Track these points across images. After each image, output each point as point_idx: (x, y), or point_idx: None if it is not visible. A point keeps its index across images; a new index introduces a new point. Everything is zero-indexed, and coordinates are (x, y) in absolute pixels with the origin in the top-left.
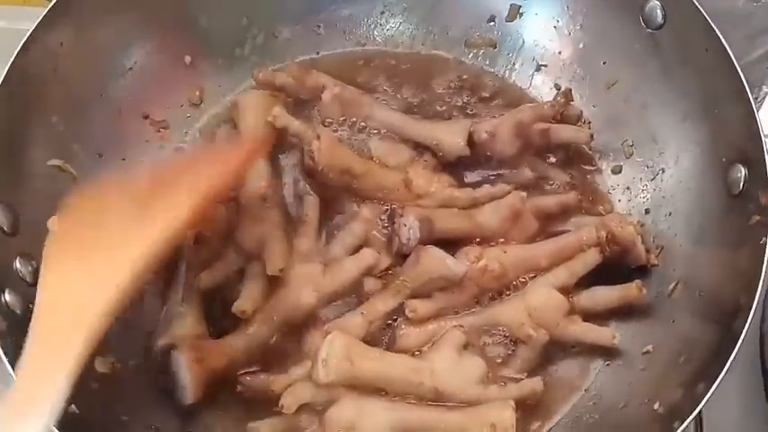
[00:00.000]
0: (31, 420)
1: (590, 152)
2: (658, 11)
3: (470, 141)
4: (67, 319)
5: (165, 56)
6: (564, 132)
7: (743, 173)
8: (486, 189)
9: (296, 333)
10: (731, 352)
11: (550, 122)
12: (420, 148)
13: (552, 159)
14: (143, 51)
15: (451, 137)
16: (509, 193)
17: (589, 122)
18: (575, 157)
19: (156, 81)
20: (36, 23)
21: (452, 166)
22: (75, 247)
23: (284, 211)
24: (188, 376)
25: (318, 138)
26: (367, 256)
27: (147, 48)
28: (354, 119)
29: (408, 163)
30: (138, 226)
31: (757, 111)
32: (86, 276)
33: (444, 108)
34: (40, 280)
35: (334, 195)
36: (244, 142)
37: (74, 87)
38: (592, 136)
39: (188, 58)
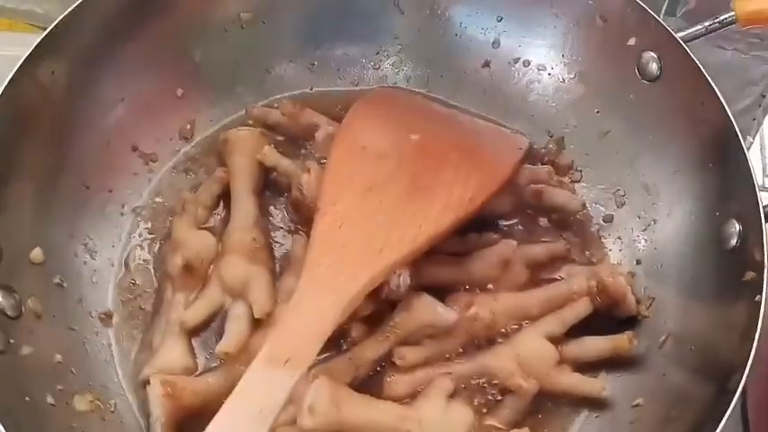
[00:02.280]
0: (301, 362)
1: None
2: (654, 63)
3: None
4: (336, 275)
5: (157, 88)
6: (557, 197)
7: (737, 228)
8: (472, 237)
9: None
10: (725, 410)
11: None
12: None
13: (545, 221)
14: (135, 83)
15: None
16: (497, 240)
17: (581, 170)
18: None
19: (146, 113)
20: (29, 52)
21: None
22: (357, 210)
23: (271, 250)
24: (159, 411)
25: (308, 171)
26: None
27: (139, 80)
28: None
29: None
30: (410, 210)
31: None
32: (363, 240)
33: None
34: (315, 219)
35: None
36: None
37: (63, 117)
38: (584, 205)
39: (180, 91)
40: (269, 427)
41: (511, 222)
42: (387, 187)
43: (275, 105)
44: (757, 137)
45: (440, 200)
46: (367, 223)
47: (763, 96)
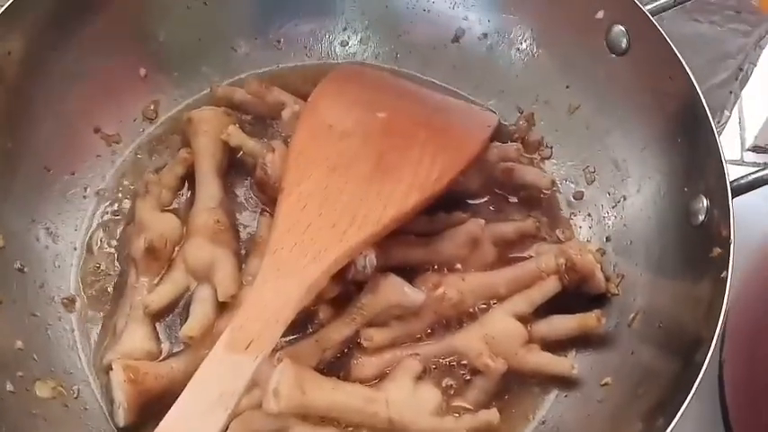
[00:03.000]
0: (263, 344)
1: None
2: (622, 37)
3: None
4: (297, 259)
5: (119, 68)
6: (527, 175)
7: (704, 204)
8: (441, 216)
9: None
10: (692, 385)
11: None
12: None
13: (514, 199)
14: (96, 63)
15: None
16: (465, 219)
17: (551, 147)
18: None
19: (109, 94)
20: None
21: None
22: (326, 156)
23: (236, 232)
24: (122, 397)
25: (273, 151)
26: None
27: (100, 60)
28: None
29: None
30: (375, 190)
31: (719, 135)
32: (326, 223)
33: None
34: (279, 200)
35: None
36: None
37: (21, 99)
38: (553, 182)
39: (143, 71)
40: (230, 412)
41: (480, 201)
42: (352, 167)
43: (241, 84)
44: (735, 110)
45: (405, 180)
46: (331, 204)
47: (741, 70)
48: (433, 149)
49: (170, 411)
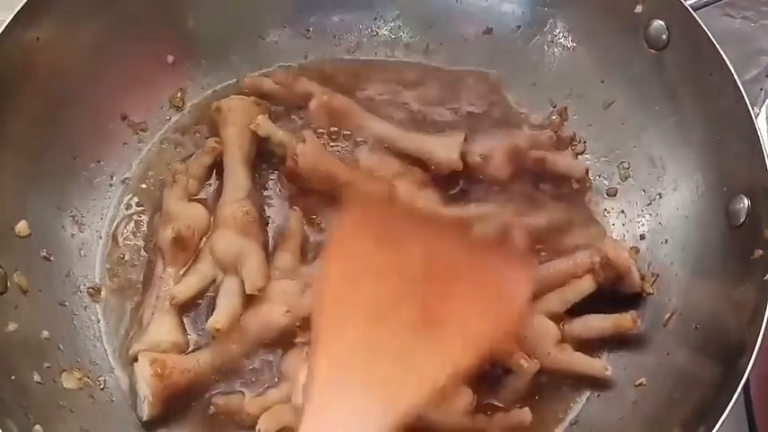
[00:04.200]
0: None
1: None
2: (662, 32)
3: (463, 158)
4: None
5: (146, 55)
6: (560, 163)
7: (745, 204)
8: (472, 208)
9: (273, 353)
10: (735, 391)
11: (547, 150)
12: (409, 162)
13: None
14: (124, 49)
15: (444, 150)
16: (495, 212)
17: (584, 141)
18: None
19: (136, 81)
20: (12, 16)
21: (440, 184)
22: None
23: (264, 224)
24: (147, 390)
25: (303, 141)
26: None
27: (128, 46)
28: (343, 128)
29: (396, 176)
30: (427, 340)
31: None
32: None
33: (439, 120)
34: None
35: (317, 210)
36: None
37: (49, 85)
38: (587, 171)
39: (171, 58)
40: None
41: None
42: (395, 314)
43: (269, 74)
44: (764, 107)
45: (456, 333)
46: (376, 361)
47: None
48: (482, 299)
49: None
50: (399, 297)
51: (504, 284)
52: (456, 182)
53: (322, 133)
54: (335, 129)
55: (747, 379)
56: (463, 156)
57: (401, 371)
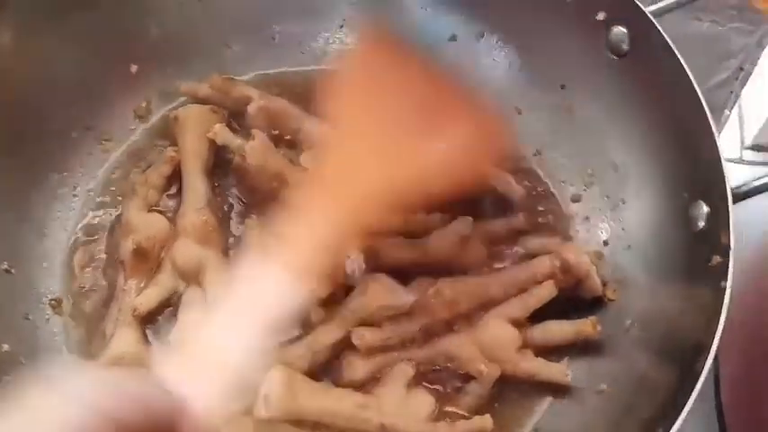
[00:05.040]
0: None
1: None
2: (623, 38)
3: None
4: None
5: (110, 65)
6: (500, 184)
7: (704, 210)
8: (423, 216)
9: None
10: (690, 393)
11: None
12: None
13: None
14: (87, 59)
15: None
16: (448, 222)
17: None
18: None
19: (100, 91)
20: None
21: None
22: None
23: (224, 231)
24: None
25: (254, 138)
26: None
27: (91, 55)
28: (283, 131)
29: None
30: (423, 139)
31: (719, 134)
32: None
33: None
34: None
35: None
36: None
37: (9, 95)
38: (524, 196)
39: (134, 68)
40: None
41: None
42: (394, 120)
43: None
44: (734, 110)
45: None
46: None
47: (741, 69)
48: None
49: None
50: (401, 108)
51: (483, 125)
52: None
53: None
54: (276, 132)
55: (717, 383)
56: None
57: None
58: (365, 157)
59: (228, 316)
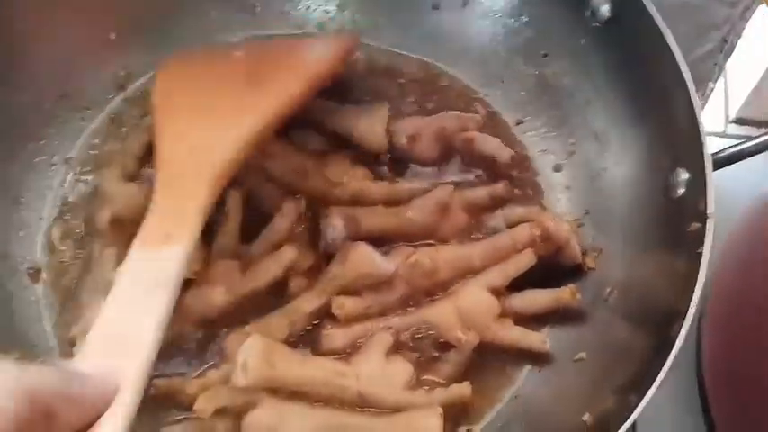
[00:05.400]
0: (166, 251)
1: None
2: (606, 4)
3: (389, 139)
4: (190, 165)
5: (87, 31)
6: (487, 145)
7: (684, 177)
8: (401, 184)
9: (215, 334)
10: (666, 360)
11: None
12: (340, 143)
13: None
14: (63, 25)
15: (369, 129)
16: (430, 188)
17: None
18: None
19: (77, 58)
20: None
21: (373, 162)
22: (186, 99)
23: None
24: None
25: None
26: (287, 253)
27: (67, 21)
28: None
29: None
30: (251, 93)
31: (703, 107)
32: (204, 129)
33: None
34: (156, 132)
35: (256, 188)
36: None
37: None
38: (513, 156)
39: (113, 35)
40: (166, 302)
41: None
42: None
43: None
44: (719, 82)
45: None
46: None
47: (725, 41)
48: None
49: (98, 322)
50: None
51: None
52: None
53: None
54: None
55: (699, 358)
56: (390, 136)
57: (236, 105)
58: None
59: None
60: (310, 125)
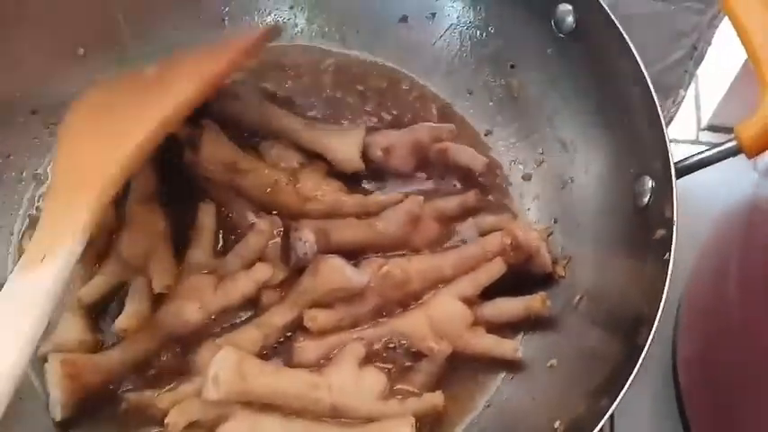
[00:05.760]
0: (57, 253)
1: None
2: (569, 15)
3: (364, 152)
4: (80, 176)
5: (55, 46)
6: (462, 155)
7: (650, 185)
8: (376, 196)
9: (186, 347)
10: (634, 365)
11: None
12: (314, 156)
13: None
14: (31, 40)
15: (344, 150)
16: (402, 199)
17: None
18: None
19: (46, 74)
20: None
21: (345, 175)
22: (88, 124)
23: (172, 222)
24: (58, 392)
25: (202, 129)
26: (261, 270)
27: (34, 36)
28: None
29: (299, 167)
30: (145, 106)
31: (674, 115)
32: (97, 144)
33: (348, 112)
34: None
35: (227, 203)
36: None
37: None
38: (488, 165)
39: (81, 50)
40: (37, 320)
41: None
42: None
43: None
44: (690, 89)
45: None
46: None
47: (695, 48)
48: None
49: None
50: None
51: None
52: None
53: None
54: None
55: (675, 365)
56: (365, 149)
57: (127, 119)
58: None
59: None
60: (283, 141)
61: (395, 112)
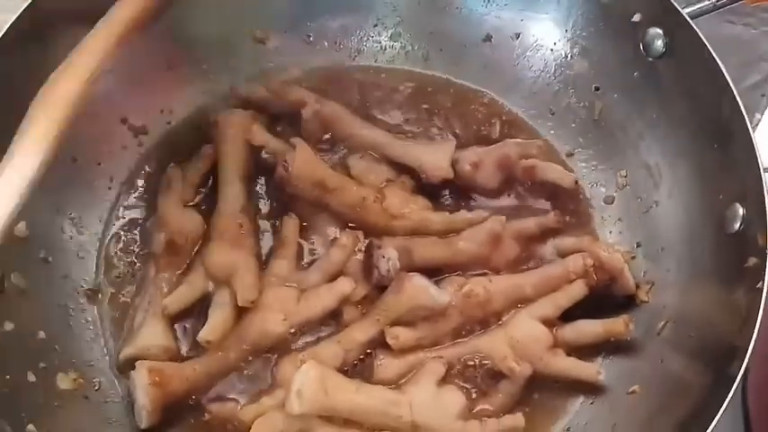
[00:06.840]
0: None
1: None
2: (659, 39)
3: (453, 166)
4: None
5: (146, 59)
6: (550, 173)
7: (740, 212)
8: (462, 214)
9: (268, 360)
10: (725, 397)
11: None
12: (399, 170)
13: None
14: (123, 54)
15: (435, 159)
16: (486, 218)
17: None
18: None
19: (136, 85)
20: (13, 19)
21: (430, 191)
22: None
23: (257, 236)
24: (146, 399)
25: (294, 147)
26: (343, 284)
27: (127, 50)
28: (335, 136)
29: (386, 183)
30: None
31: None
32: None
33: (432, 130)
34: None
35: (311, 217)
36: None
37: None
38: (576, 182)
39: (170, 63)
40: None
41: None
42: None
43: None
44: (766, 114)
45: None
46: None
47: None
48: None
49: None
50: None
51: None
52: (445, 189)
53: (315, 141)
54: (328, 136)
55: (745, 389)
56: (453, 164)
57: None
58: None
59: None
60: (372, 154)
61: (475, 128)
